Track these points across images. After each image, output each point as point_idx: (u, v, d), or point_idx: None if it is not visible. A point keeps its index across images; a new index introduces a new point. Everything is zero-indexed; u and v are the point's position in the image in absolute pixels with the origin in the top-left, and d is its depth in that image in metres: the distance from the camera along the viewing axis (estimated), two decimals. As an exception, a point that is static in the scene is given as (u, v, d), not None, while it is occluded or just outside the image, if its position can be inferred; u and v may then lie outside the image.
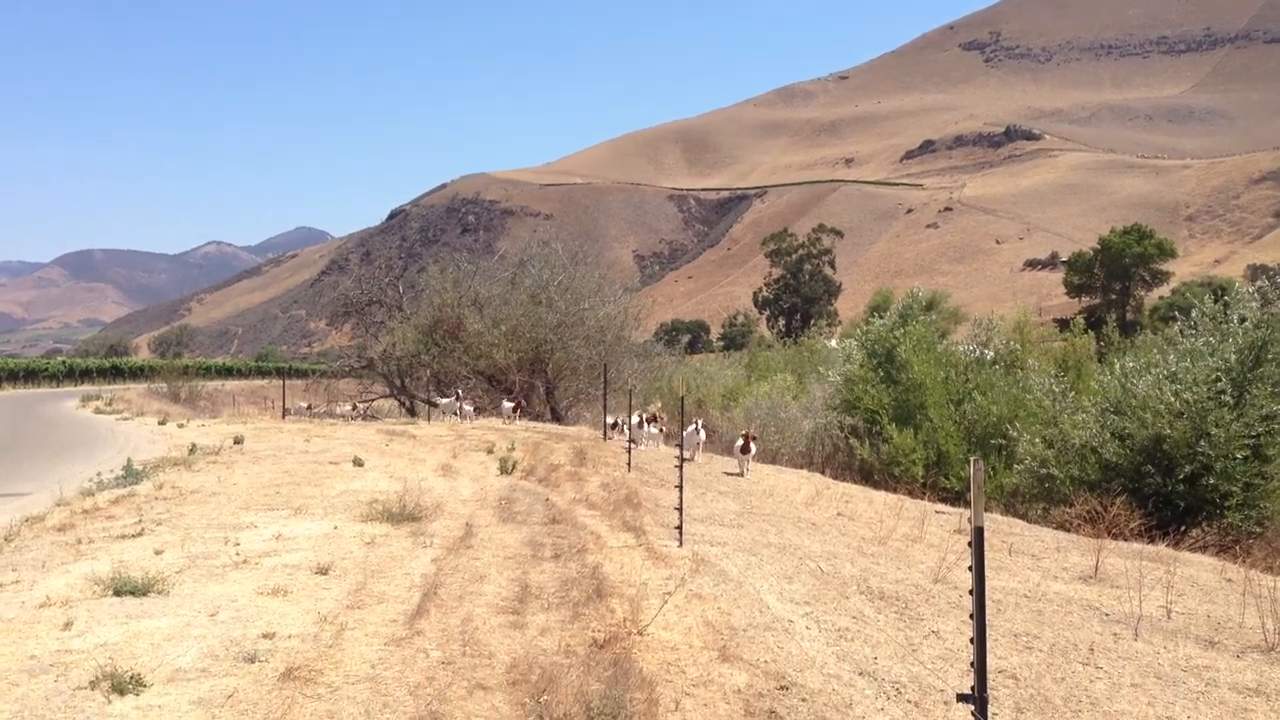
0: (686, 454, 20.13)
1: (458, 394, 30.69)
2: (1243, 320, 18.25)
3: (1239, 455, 16.89)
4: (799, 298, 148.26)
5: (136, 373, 78.48)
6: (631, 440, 19.94)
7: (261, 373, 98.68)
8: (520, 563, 10.22)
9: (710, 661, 7.27)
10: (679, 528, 11.32)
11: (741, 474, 19.32)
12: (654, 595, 8.81)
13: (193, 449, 20.79)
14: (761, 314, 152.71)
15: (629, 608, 8.37)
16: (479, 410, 34.56)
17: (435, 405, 32.55)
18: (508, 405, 29.07)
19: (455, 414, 30.09)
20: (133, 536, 11.05)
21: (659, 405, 25.38)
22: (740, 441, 19.91)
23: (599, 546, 11.05)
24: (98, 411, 39.68)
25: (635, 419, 21.66)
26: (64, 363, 77.50)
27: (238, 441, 22.57)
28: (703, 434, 22.23)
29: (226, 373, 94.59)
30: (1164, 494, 17.69)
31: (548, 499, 14.54)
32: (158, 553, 10.08)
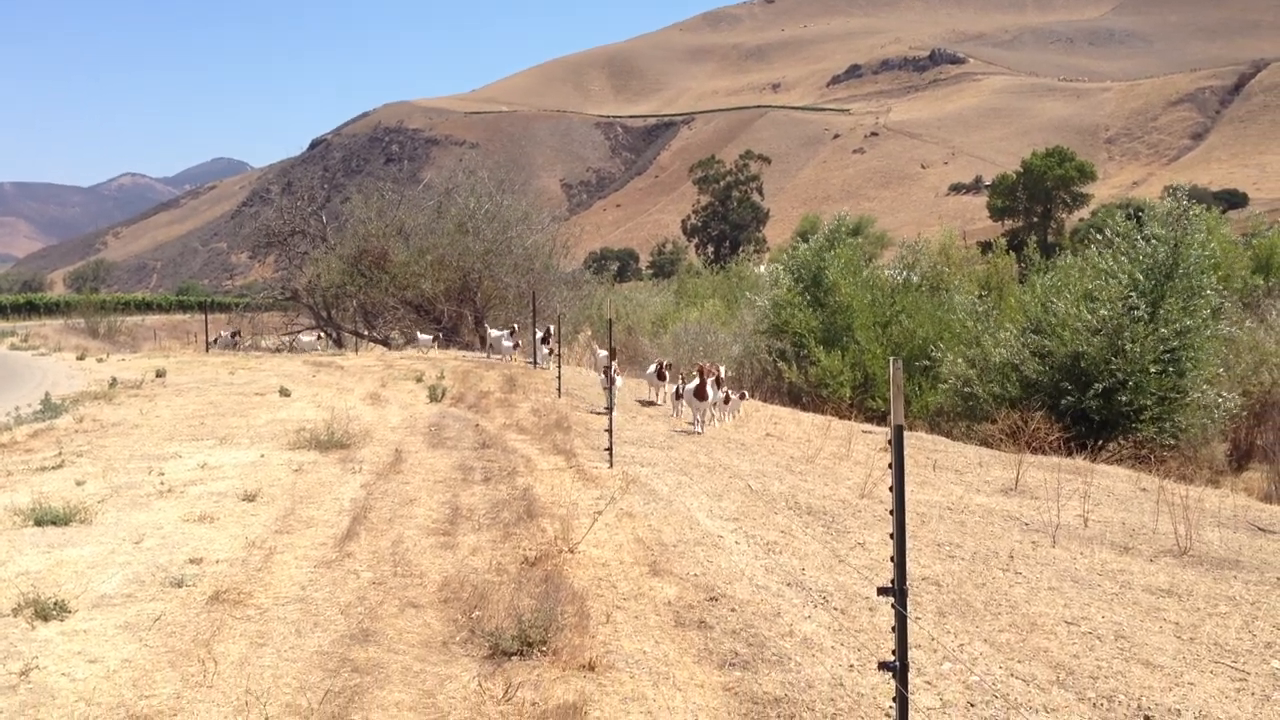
0: (687, 419, 16.47)
1: (513, 329, 26.19)
2: (1151, 239, 18.71)
3: (1152, 369, 17.39)
4: (727, 225, 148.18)
5: (52, 308, 76.36)
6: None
7: (183, 307, 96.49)
8: (450, 486, 10.22)
9: (641, 576, 7.37)
10: (609, 449, 11.40)
11: (698, 429, 15.72)
12: (585, 515, 8.88)
13: (113, 383, 20.34)
14: (690, 241, 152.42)
15: (560, 527, 8.43)
16: (408, 342, 34.25)
17: (484, 340, 27.56)
18: (606, 354, 19.59)
19: (509, 352, 25.68)
20: (53, 469, 10.84)
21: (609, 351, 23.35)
22: (694, 383, 15.54)
23: (529, 469, 11.09)
24: (13, 348, 38.59)
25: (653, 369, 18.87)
26: (-25, 299, 75.18)
27: (160, 375, 22.13)
28: (717, 393, 16.15)
29: (146, 307, 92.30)
30: (1081, 409, 18.18)
31: (478, 425, 14.52)
32: (79, 483, 9.90)
